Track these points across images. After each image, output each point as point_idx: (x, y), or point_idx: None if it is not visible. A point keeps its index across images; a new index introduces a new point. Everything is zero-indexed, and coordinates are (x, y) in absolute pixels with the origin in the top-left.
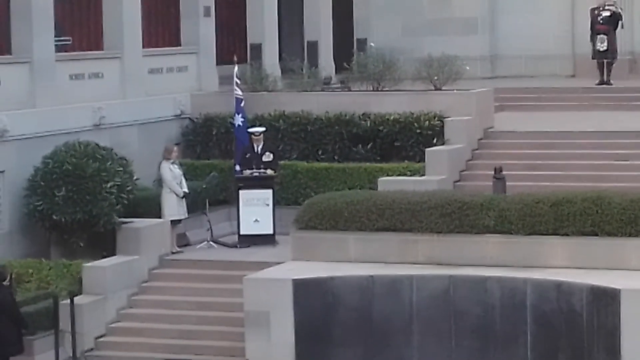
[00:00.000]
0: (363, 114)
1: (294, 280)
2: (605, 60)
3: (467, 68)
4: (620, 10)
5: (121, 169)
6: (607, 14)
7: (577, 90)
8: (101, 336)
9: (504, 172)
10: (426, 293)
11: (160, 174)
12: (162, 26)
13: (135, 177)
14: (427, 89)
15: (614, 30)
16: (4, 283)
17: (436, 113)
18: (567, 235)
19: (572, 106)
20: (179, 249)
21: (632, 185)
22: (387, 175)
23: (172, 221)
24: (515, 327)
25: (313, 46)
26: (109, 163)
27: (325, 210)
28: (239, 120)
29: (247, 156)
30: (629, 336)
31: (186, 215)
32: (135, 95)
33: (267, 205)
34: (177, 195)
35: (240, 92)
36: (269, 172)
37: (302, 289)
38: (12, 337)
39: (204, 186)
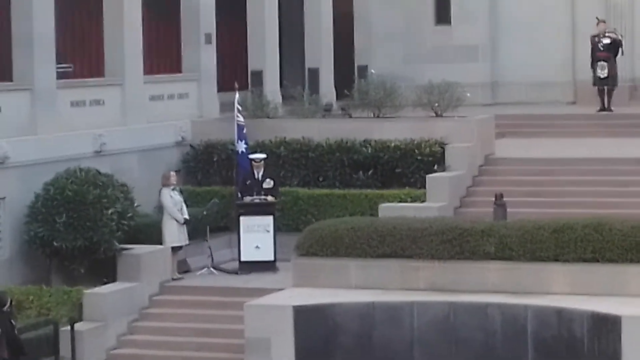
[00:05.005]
0: (364, 141)
1: (294, 306)
2: (605, 87)
3: (468, 95)
4: (620, 37)
5: (122, 195)
6: (608, 41)
7: (578, 117)
8: None
9: (504, 199)
10: (427, 319)
11: (160, 201)
12: (163, 53)
13: (136, 204)
14: (428, 116)
15: (614, 57)
16: (4, 309)
17: (437, 140)
18: (568, 261)
19: (573, 133)
20: (179, 276)
21: (632, 211)
22: (388, 201)
23: (172, 247)
24: (516, 353)
25: (314, 73)
26: (109, 190)
27: (326, 236)
28: (242, 146)
29: (247, 183)
30: None
31: (187, 242)
32: (136, 122)
33: (268, 231)
34: (177, 221)
35: (242, 119)
36: (270, 198)
37: (303, 315)
38: None
39: (205, 213)
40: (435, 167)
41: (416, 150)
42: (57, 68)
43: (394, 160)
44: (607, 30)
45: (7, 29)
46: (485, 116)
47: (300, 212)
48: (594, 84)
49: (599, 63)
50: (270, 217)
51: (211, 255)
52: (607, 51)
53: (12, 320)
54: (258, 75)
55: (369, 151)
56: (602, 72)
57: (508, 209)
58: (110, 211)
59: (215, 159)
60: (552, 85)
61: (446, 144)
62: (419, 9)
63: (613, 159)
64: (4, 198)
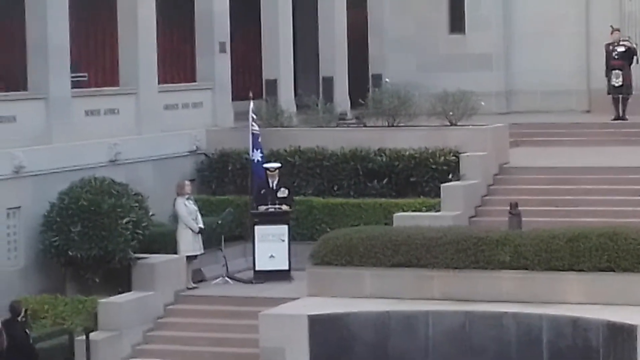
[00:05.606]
0: (378, 150)
1: (309, 316)
2: (620, 96)
3: (483, 103)
4: (635, 46)
5: (137, 204)
6: (622, 49)
7: (593, 125)
8: None
9: (519, 208)
10: (442, 329)
11: (175, 210)
12: (177, 62)
13: (150, 213)
14: (442, 125)
15: (629, 66)
16: (19, 318)
17: (451, 148)
18: (583, 270)
19: (588, 141)
20: (194, 285)
21: None
22: (403, 210)
23: (187, 257)
24: None
25: (328, 82)
26: (124, 199)
27: (340, 245)
28: (257, 155)
29: (262, 192)
30: None
31: (202, 251)
32: (150, 131)
33: (283, 241)
34: (192, 230)
35: (257, 128)
36: (284, 207)
37: (318, 324)
38: None
39: (220, 222)
40: (450, 176)
41: (431, 159)
42: (72, 77)
43: (408, 169)
44: (621, 39)
45: (22, 38)
46: (499, 125)
47: (315, 221)
48: (609, 93)
49: (613, 71)
50: (285, 226)
51: (226, 264)
52: (621, 59)
53: (26, 330)
54: (272, 84)
55: (384, 160)
56: (617, 81)
57: (523, 218)
58: (125, 220)
59: (229, 168)
60: (567, 93)
61: (461, 153)
62: (433, 18)
63: (628, 167)
64: (19, 207)
